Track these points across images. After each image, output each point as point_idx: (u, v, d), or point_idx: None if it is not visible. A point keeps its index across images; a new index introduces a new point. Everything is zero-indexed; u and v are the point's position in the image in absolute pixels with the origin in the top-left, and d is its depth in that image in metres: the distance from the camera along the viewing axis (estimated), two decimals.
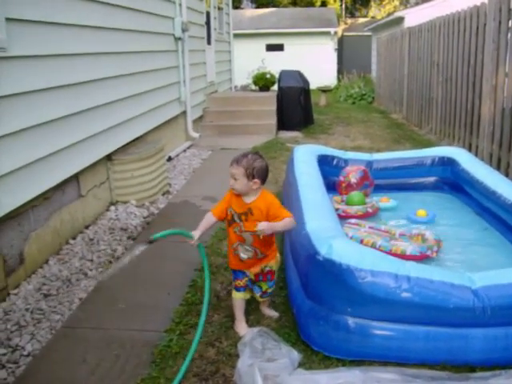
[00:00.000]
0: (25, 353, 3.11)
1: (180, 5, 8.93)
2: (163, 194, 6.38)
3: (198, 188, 6.67)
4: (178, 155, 8.68)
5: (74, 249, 4.63)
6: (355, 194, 5.26)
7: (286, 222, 3.05)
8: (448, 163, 5.71)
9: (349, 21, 37.75)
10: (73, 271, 4.19)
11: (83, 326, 3.40)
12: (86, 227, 5.14)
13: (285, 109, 11.45)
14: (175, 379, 2.72)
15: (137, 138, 6.67)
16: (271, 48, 25.55)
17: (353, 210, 5.05)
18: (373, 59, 22.14)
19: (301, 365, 2.85)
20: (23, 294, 3.80)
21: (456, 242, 4.41)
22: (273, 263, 3.26)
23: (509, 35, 6.77)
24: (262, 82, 12.63)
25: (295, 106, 11.45)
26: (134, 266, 4.28)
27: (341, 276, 2.89)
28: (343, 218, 4.90)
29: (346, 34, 30.50)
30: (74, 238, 4.84)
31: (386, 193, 5.67)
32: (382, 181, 5.82)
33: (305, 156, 5.60)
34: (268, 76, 12.62)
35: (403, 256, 3.88)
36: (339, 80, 22.53)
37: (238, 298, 3.25)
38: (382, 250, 3.86)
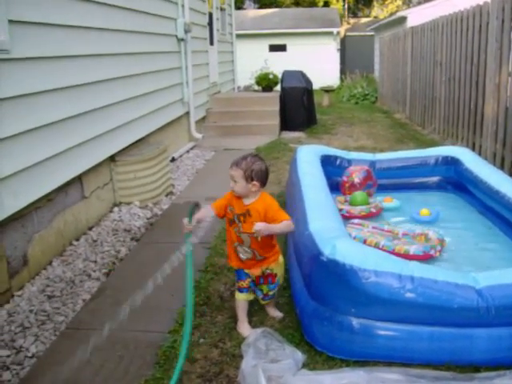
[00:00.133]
0: (29, 354, 3.11)
1: (182, 6, 8.94)
2: (166, 195, 6.38)
3: (201, 189, 6.67)
4: (181, 156, 8.68)
5: (77, 250, 4.63)
6: (359, 194, 5.25)
7: (283, 224, 3.04)
8: (451, 163, 5.69)
9: (351, 21, 37.68)
10: (76, 272, 4.20)
11: (87, 328, 3.40)
12: (90, 228, 5.14)
13: (288, 109, 11.44)
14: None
15: (140, 139, 6.67)
16: (274, 48, 25.53)
17: (356, 210, 5.04)
18: (375, 59, 22.12)
19: (305, 365, 2.84)
20: (27, 295, 3.81)
21: (459, 242, 4.41)
22: (273, 266, 3.25)
23: None
24: (265, 83, 12.62)
25: (298, 106, 11.44)
26: (137, 268, 4.30)
27: (344, 276, 2.88)
28: (347, 218, 4.89)
29: (348, 34, 30.46)
30: (77, 240, 4.85)
31: (390, 193, 5.66)
32: (385, 181, 5.81)
33: (308, 156, 5.60)
34: (271, 76, 12.62)
35: (406, 256, 3.87)
36: (342, 80, 22.50)
37: (241, 299, 3.25)
38: (385, 250, 3.85)
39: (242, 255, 3.16)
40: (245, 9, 35.39)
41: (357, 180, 5.46)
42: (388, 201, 5.39)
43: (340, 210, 4.87)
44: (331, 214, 3.83)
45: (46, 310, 3.60)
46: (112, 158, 5.78)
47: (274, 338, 2.97)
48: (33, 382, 2.88)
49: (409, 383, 2.64)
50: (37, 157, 4.15)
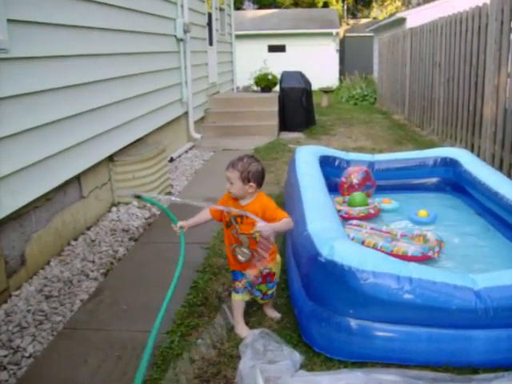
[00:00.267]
0: (26, 354, 3.10)
1: (182, 6, 8.93)
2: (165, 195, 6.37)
3: (199, 189, 6.67)
4: (179, 156, 8.68)
5: (75, 250, 4.63)
6: (357, 195, 5.25)
7: (284, 222, 3.05)
8: (450, 164, 5.69)
9: (351, 22, 37.72)
10: (74, 272, 4.19)
11: (85, 328, 3.39)
12: (88, 228, 5.14)
13: (287, 110, 11.44)
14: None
15: (138, 140, 6.66)
16: (273, 49, 25.55)
17: (355, 211, 5.04)
18: (375, 60, 22.13)
19: (302, 366, 2.84)
20: (25, 295, 3.80)
21: (458, 243, 4.41)
22: (271, 265, 3.25)
23: (511, 35, 6.76)
24: (264, 83, 12.63)
25: (297, 107, 11.44)
26: (135, 268, 4.30)
27: (342, 277, 2.88)
28: (345, 219, 4.89)
29: (347, 34, 30.47)
30: (75, 239, 4.84)
31: (388, 194, 5.66)
32: (384, 182, 5.81)
33: (307, 157, 5.59)
34: (270, 77, 12.62)
35: (405, 257, 3.87)
36: (341, 81, 22.51)
37: (237, 299, 3.25)
38: (383, 251, 3.85)
39: (240, 257, 3.15)
40: (244, 9, 35.40)
41: (355, 181, 5.46)
42: (387, 202, 5.39)
43: (338, 210, 4.87)
44: (330, 215, 3.82)
45: (43, 309, 3.59)
46: (110, 158, 5.78)
47: (272, 338, 2.97)
48: (30, 382, 2.87)
49: None
50: (35, 156, 4.14)
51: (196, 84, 9.96)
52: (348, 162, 6.01)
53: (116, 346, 3.15)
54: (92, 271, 4.23)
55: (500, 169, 6.75)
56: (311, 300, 3.12)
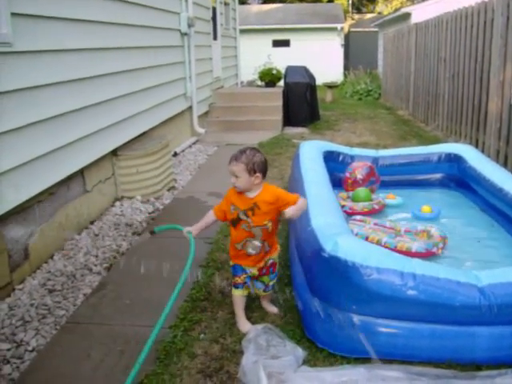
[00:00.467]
0: (29, 348, 3.11)
1: (186, 0, 8.91)
2: (168, 190, 6.37)
3: (203, 184, 6.66)
4: (183, 151, 8.67)
5: (78, 244, 4.63)
6: (361, 191, 5.24)
7: (303, 201, 3.14)
8: (455, 160, 5.68)
9: (355, 16, 37.57)
10: (77, 266, 4.19)
11: (88, 322, 3.40)
12: (91, 222, 5.14)
13: (291, 105, 11.42)
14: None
15: (142, 134, 6.66)
16: (277, 44, 25.46)
17: (359, 206, 5.03)
18: (379, 55, 22.05)
19: (305, 362, 2.84)
20: (28, 289, 3.81)
21: (462, 239, 4.39)
22: (275, 255, 3.29)
23: None
24: (268, 78, 12.60)
25: (301, 101, 11.41)
26: (138, 263, 4.30)
27: (346, 273, 2.87)
28: (349, 214, 4.88)
29: (352, 29, 30.35)
30: (79, 234, 4.84)
31: (392, 189, 5.64)
32: (388, 177, 5.80)
33: (311, 152, 5.58)
34: (274, 72, 12.60)
35: (408, 253, 3.86)
36: (345, 76, 22.44)
37: (238, 294, 3.24)
38: (387, 247, 3.85)
39: (250, 250, 3.14)
40: (249, 3, 35.28)
41: (359, 176, 5.45)
42: (391, 197, 5.38)
43: (342, 206, 4.87)
44: (333, 211, 3.81)
45: (46, 303, 3.60)
46: (114, 153, 5.78)
47: (275, 334, 2.97)
48: (33, 375, 2.88)
49: (409, 381, 2.63)
50: (39, 150, 4.14)
51: (200, 78, 9.94)
52: (352, 158, 5.99)
53: (119, 340, 3.16)
54: (95, 265, 4.24)
55: (504, 165, 6.73)
56: (314, 295, 3.12)
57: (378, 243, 4.04)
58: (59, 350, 3.10)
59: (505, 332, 2.80)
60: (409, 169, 5.90)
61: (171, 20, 8.26)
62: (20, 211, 3.98)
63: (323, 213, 3.66)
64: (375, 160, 5.93)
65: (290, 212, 3.01)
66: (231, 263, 3.30)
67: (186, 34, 8.83)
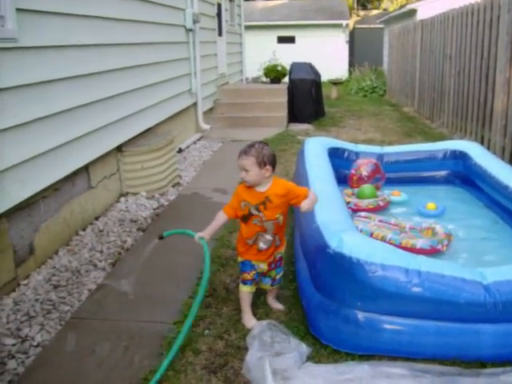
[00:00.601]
0: (34, 343, 3.12)
1: None
2: (173, 186, 6.37)
3: (208, 180, 6.66)
4: (188, 147, 8.67)
5: (83, 240, 4.64)
6: (366, 187, 5.23)
7: (314, 195, 3.13)
8: (460, 157, 5.66)
9: (361, 13, 37.48)
10: (82, 262, 4.20)
11: (92, 318, 3.40)
12: (96, 218, 5.15)
13: (296, 101, 11.40)
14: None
15: (147, 130, 6.67)
16: (282, 40, 25.44)
17: (364, 203, 5.02)
18: (385, 52, 22.00)
19: (310, 358, 2.84)
20: (33, 284, 3.82)
21: (467, 236, 4.38)
22: (283, 249, 3.31)
23: None
24: (273, 74, 12.57)
25: (306, 98, 11.40)
26: (143, 259, 4.30)
27: (351, 270, 2.87)
28: (354, 211, 4.87)
29: (357, 26, 30.27)
30: (83, 229, 4.85)
31: (398, 186, 5.63)
32: (393, 174, 5.78)
33: (316, 148, 5.57)
34: (279, 68, 12.56)
35: (413, 250, 3.85)
36: (351, 73, 22.40)
37: (245, 291, 3.24)
38: (391, 244, 3.84)
39: (262, 245, 3.14)
40: (254, 0, 35.22)
41: (365, 173, 5.44)
42: (396, 194, 5.37)
43: (347, 202, 4.86)
44: (338, 207, 3.81)
45: (51, 299, 3.60)
46: (119, 148, 5.78)
47: (280, 330, 2.97)
48: (38, 370, 2.88)
49: (414, 378, 2.63)
50: (45, 146, 4.14)
51: (205, 74, 9.94)
52: (357, 154, 5.98)
53: (123, 336, 3.16)
54: (100, 261, 4.24)
55: (510, 162, 6.69)
56: (319, 292, 3.12)
57: (383, 240, 4.04)
58: (64, 345, 3.10)
59: (510, 329, 2.79)
60: (414, 166, 5.88)
61: (176, 16, 8.26)
62: (25, 207, 3.99)
63: (328, 209, 3.66)
64: (380, 157, 5.92)
65: (305, 206, 3.02)
66: (240, 259, 3.28)
67: (191, 30, 8.82)
